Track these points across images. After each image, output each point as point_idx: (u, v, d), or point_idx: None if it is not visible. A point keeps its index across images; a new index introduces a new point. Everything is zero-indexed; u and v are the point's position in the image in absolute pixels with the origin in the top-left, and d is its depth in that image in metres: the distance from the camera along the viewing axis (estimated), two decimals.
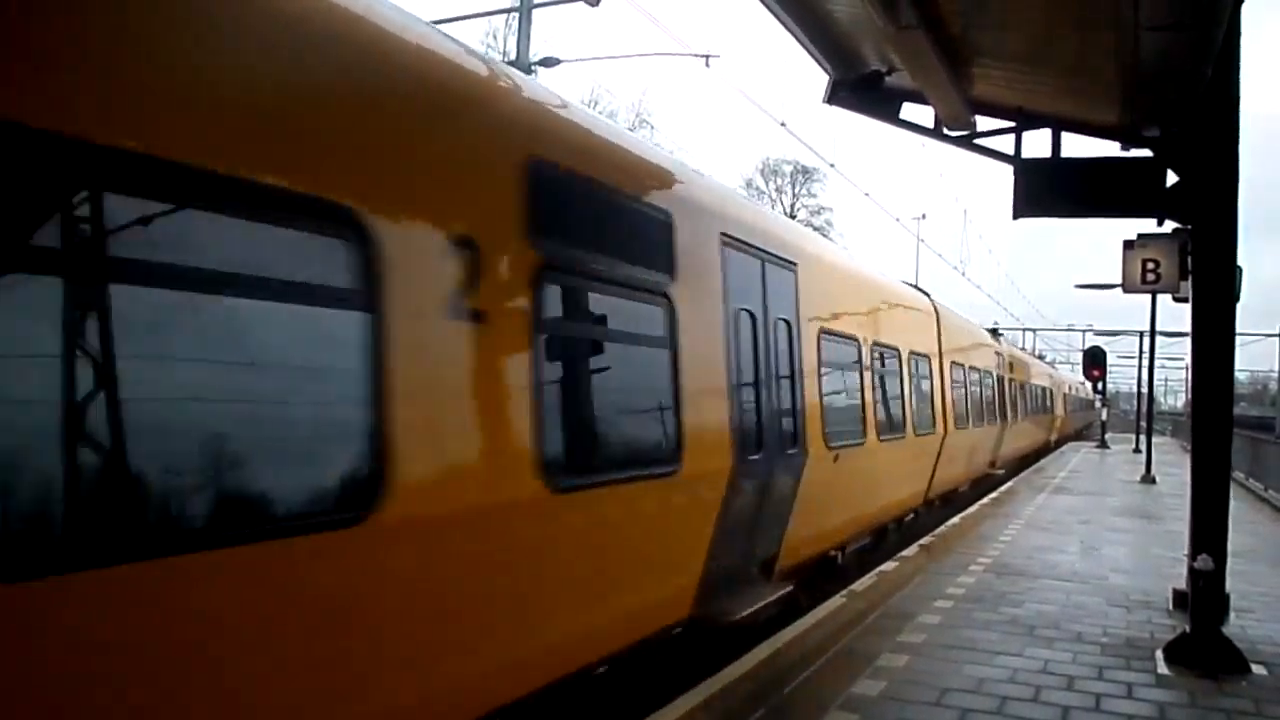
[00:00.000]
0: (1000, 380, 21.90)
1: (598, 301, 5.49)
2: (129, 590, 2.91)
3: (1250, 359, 76.01)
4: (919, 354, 13.28)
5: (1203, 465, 7.19)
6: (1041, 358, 51.23)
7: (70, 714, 2.80)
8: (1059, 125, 8.21)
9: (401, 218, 4.03)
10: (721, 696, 5.86)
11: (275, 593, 3.41)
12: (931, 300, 15.51)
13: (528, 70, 17.60)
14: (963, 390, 16.57)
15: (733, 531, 6.99)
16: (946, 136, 8.56)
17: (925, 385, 13.60)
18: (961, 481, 17.31)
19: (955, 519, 14.62)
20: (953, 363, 15.78)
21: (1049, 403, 36.20)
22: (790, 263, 8.42)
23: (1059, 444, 40.23)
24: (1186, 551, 7.47)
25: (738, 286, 7.21)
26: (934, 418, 13.89)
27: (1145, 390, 31.45)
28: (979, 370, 18.86)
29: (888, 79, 8.13)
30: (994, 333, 25.78)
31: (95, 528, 2.86)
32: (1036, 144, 8.34)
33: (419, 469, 3.98)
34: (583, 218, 5.39)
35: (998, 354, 22.20)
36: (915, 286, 16.35)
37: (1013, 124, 8.35)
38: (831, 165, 22.72)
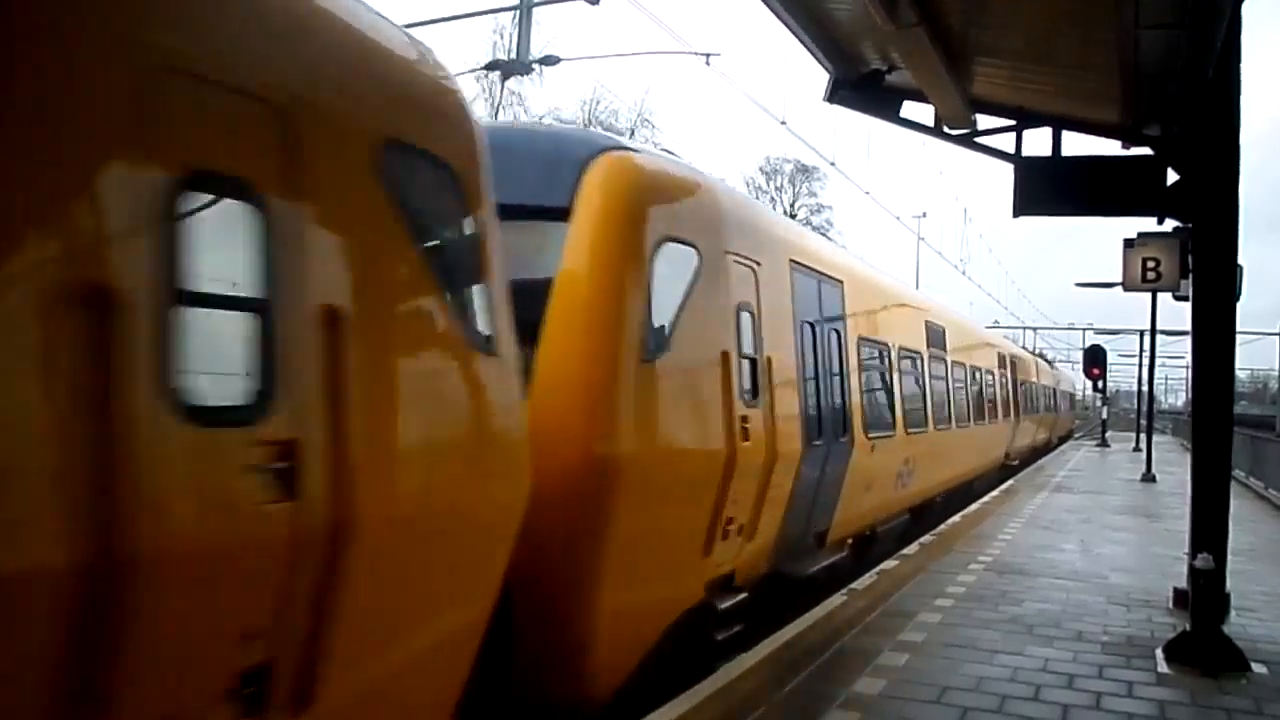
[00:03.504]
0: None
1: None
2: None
3: (1251, 357, 76.04)
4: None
5: (1203, 464, 7.20)
6: (1042, 356, 48.93)
7: None
8: (1059, 124, 8.22)
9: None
10: (722, 695, 5.86)
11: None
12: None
13: (529, 69, 17.57)
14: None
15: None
16: (947, 135, 8.55)
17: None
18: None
19: (955, 517, 14.63)
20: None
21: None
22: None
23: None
24: (1187, 550, 7.48)
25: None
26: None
27: (1146, 389, 31.49)
28: None
29: (888, 77, 8.13)
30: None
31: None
32: (1037, 142, 8.35)
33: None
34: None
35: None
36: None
37: (1013, 122, 8.35)
38: (832, 164, 22.70)
